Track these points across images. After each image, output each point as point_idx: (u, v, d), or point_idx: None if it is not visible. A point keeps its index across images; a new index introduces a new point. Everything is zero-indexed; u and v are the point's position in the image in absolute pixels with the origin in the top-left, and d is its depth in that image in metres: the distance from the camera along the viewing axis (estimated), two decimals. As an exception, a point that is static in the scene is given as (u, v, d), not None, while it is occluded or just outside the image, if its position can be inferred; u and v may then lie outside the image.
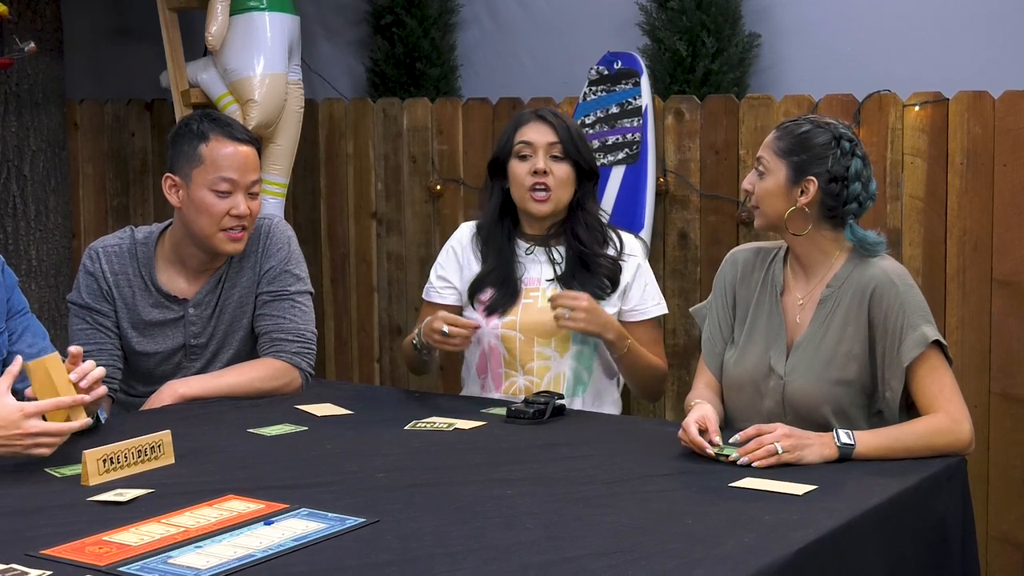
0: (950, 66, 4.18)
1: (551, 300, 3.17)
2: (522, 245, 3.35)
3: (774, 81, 4.55)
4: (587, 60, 4.52)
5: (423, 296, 3.46)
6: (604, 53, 4.48)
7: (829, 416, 2.75)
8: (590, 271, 3.29)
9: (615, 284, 3.30)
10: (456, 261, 3.40)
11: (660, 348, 3.39)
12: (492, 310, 3.31)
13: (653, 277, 3.40)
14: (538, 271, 3.33)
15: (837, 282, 2.81)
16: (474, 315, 3.33)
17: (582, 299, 3.14)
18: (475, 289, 3.34)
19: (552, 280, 3.30)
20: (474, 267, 3.37)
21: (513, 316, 3.29)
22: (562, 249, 3.33)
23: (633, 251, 3.35)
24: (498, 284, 3.31)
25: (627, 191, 4.38)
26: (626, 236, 3.39)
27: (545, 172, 3.25)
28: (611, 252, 3.32)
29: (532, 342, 3.27)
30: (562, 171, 3.27)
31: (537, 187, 3.26)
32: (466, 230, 3.45)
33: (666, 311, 3.40)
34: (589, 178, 3.34)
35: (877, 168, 4.00)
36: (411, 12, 5.12)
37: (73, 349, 2.64)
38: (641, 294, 3.33)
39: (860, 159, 2.79)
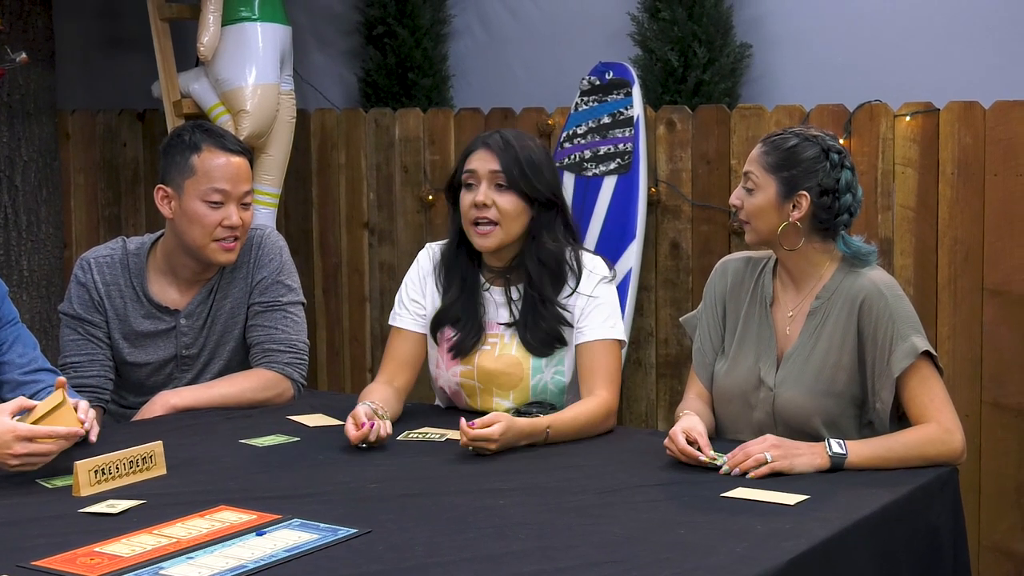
0: (941, 76, 4.19)
1: (464, 445, 2.74)
2: (482, 279, 3.13)
3: (765, 91, 4.55)
4: (579, 70, 4.53)
5: (390, 322, 3.19)
6: (596, 63, 4.49)
7: (819, 427, 2.75)
8: (539, 326, 3.05)
9: (561, 340, 3.05)
10: (420, 289, 3.18)
11: (602, 376, 3.00)
12: (456, 353, 3.10)
13: (611, 304, 3.07)
14: (494, 312, 3.11)
15: (826, 293, 2.81)
16: (435, 354, 3.16)
17: (493, 437, 2.72)
18: (437, 325, 3.13)
19: (509, 326, 3.08)
20: (435, 297, 3.15)
21: (470, 366, 3.09)
22: (522, 287, 3.08)
23: (586, 287, 3.05)
24: (462, 322, 3.10)
25: (619, 201, 4.39)
26: (588, 264, 3.09)
27: (486, 205, 3.00)
28: (566, 292, 3.05)
29: (491, 392, 3.10)
30: (507, 202, 3.00)
31: (480, 221, 3.01)
32: (427, 255, 3.21)
33: (619, 337, 3.05)
34: (547, 207, 3.05)
35: (868, 178, 4.03)
36: (403, 22, 5.12)
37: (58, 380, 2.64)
38: (588, 317, 3.04)
39: (849, 170, 2.79)
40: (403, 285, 3.21)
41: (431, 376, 3.24)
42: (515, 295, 3.10)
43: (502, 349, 3.09)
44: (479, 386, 3.11)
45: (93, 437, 2.69)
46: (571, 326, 3.05)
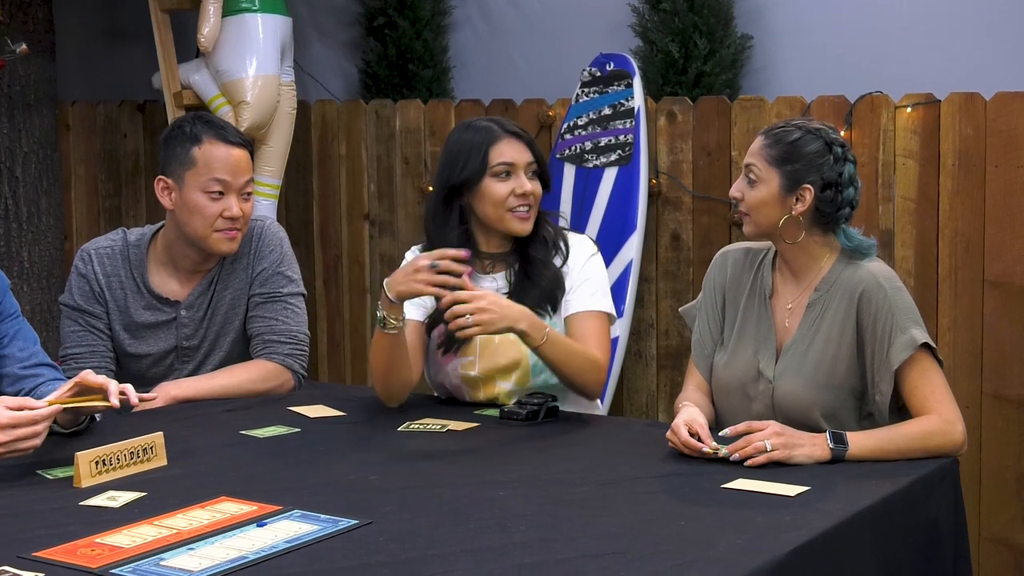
0: (942, 68, 4.19)
1: (447, 316, 2.82)
2: (476, 270, 3.11)
3: (766, 83, 4.55)
4: (580, 61, 4.53)
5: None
6: (597, 55, 4.49)
7: (819, 419, 2.75)
8: (536, 284, 3.09)
9: (554, 303, 3.10)
10: None
11: (596, 341, 3.06)
12: (447, 348, 3.11)
13: (599, 276, 3.14)
14: (493, 289, 3.09)
15: (825, 286, 2.80)
16: (433, 356, 3.16)
17: (481, 299, 2.82)
18: (434, 323, 3.12)
19: (506, 297, 3.06)
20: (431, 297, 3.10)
21: (471, 356, 3.09)
22: (518, 264, 3.15)
23: (575, 260, 3.13)
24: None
25: (619, 192, 4.38)
26: (574, 242, 3.17)
27: (533, 194, 3.09)
28: (558, 263, 3.12)
29: (493, 380, 3.10)
30: (538, 188, 3.11)
31: (521, 207, 3.08)
32: (413, 256, 3.13)
33: (608, 311, 3.11)
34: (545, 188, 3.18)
35: (869, 169, 4.02)
36: (403, 14, 5.12)
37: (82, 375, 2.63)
38: (578, 289, 3.10)
39: (852, 163, 2.79)
40: None
41: (430, 375, 3.23)
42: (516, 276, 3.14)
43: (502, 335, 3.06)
44: (481, 377, 3.10)
45: (134, 399, 2.64)
46: (564, 291, 3.10)
